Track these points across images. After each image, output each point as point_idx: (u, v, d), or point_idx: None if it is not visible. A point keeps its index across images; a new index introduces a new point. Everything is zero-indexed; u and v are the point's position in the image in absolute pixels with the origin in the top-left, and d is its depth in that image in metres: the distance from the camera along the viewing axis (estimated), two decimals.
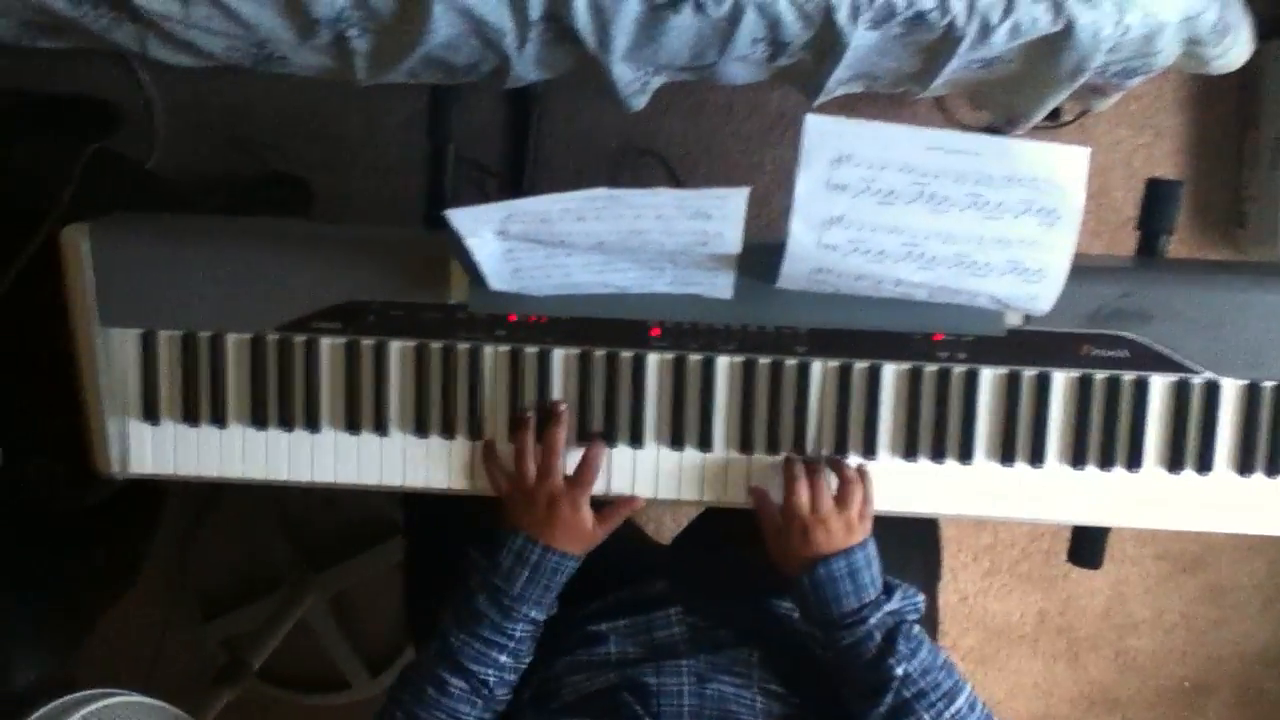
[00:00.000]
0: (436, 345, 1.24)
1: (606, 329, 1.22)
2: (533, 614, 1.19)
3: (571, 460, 1.23)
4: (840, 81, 1.46)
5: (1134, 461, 1.24)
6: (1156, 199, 1.29)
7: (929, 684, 1.12)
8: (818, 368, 1.23)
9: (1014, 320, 1.20)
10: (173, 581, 2.18)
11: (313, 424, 1.26)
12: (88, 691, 1.37)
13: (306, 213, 1.98)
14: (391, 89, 1.56)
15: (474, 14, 1.28)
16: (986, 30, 1.25)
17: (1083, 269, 1.14)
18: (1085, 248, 1.11)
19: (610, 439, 1.25)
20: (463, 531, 1.28)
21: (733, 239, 1.05)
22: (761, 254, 1.12)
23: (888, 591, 1.18)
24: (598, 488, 1.25)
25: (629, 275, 1.14)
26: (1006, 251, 1.06)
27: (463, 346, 1.24)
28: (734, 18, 1.26)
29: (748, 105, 2.01)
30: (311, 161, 1.99)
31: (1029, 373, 1.22)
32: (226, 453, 1.28)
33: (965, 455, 1.24)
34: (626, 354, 1.23)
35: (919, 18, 1.24)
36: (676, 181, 2.00)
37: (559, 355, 1.24)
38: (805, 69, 1.41)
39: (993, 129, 1.71)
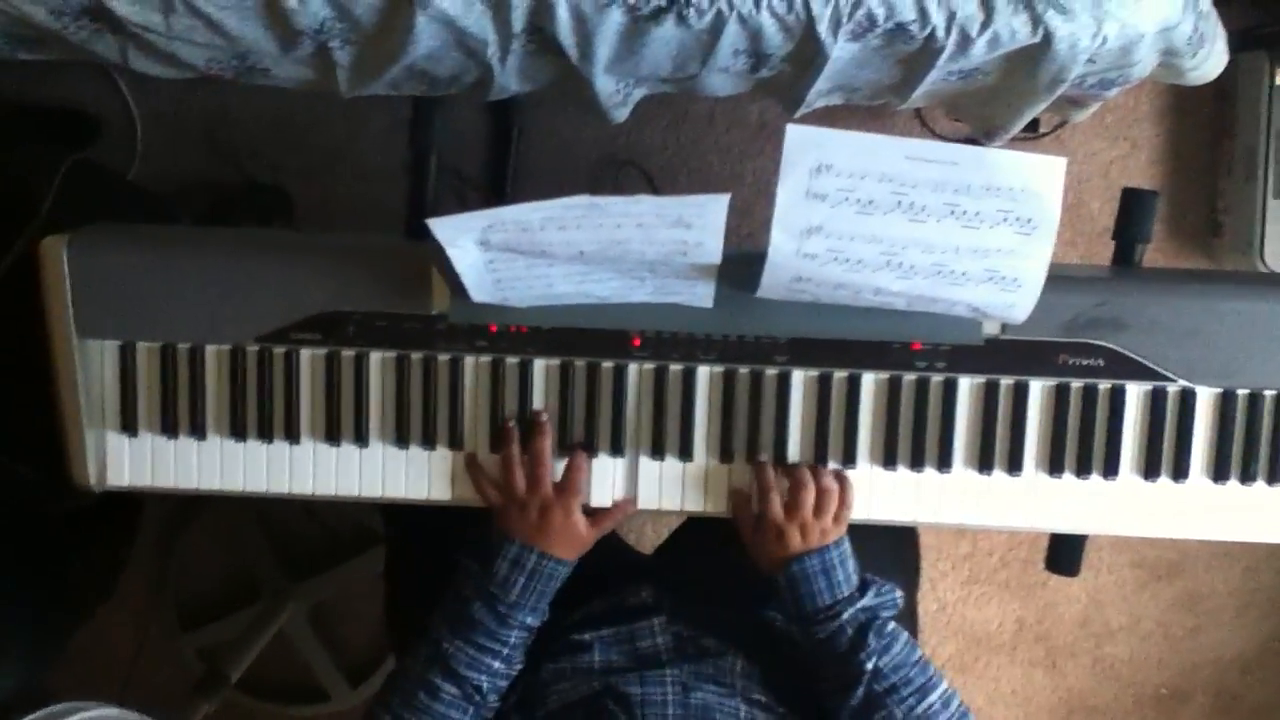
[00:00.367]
0: (417, 356, 1.24)
1: (587, 339, 1.22)
2: (528, 620, 1.19)
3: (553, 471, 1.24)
4: (820, 93, 1.47)
5: (1110, 469, 1.25)
6: (1132, 208, 1.31)
7: (900, 679, 1.14)
8: (798, 377, 1.23)
9: (991, 329, 1.20)
10: (151, 592, 2.16)
11: (292, 435, 1.26)
12: (64, 704, 1.37)
13: (288, 222, 1.98)
14: (373, 98, 1.56)
15: (456, 25, 1.28)
16: (966, 42, 1.26)
17: (1059, 278, 1.15)
18: (1062, 258, 1.12)
19: (591, 449, 1.25)
20: (443, 541, 1.28)
21: (713, 248, 1.06)
22: (742, 263, 1.12)
23: (863, 588, 1.20)
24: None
25: (610, 285, 1.15)
26: (984, 261, 1.07)
27: (443, 357, 1.24)
28: (716, 29, 1.27)
29: (728, 117, 2.02)
30: (293, 170, 1.99)
31: (1006, 381, 1.23)
32: (205, 465, 1.27)
33: (944, 464, 1.25)
34: (608, 364, 1.23)
35: (899, 29, 1.25)
36: (657, 192, 2.00)
37: (540, 365, 1.24)
38: (786, 81, 1.42)
39: (971, 140, 1.72)
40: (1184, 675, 2.35)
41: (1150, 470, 1.25)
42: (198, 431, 1.26)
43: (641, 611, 1.27)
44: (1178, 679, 2.35)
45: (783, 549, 1.19)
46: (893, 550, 1.40)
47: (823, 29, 1.25)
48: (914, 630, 1.45)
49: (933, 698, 1.14)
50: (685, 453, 1.25)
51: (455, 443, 1.25)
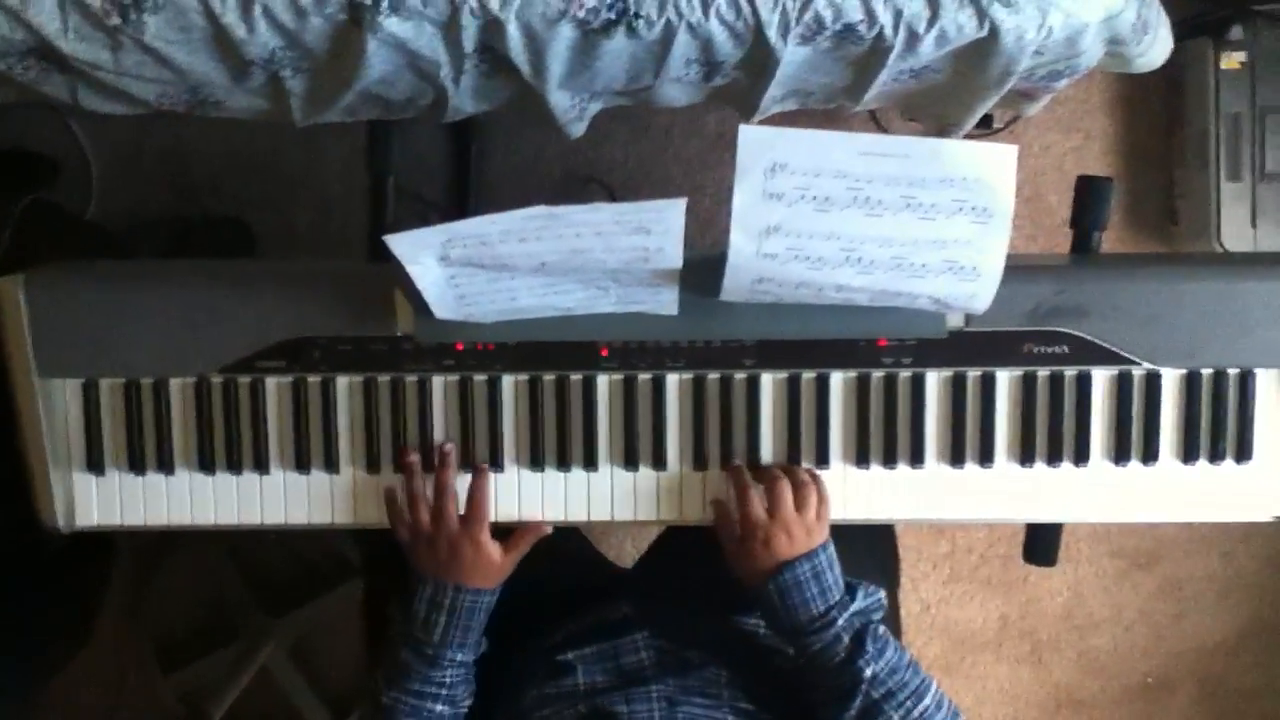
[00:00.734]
0: (384, 378, 1.23)
1: (555, 352, 1.22)
2: (459, 657, 1.18)
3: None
4: (775, 100, 1.47)
5: (1081, 456, 1.25)
6: (1088, 196, 1.32)
7: (896, 683, 1.13)
8: (767, 380, 1.23)
9: (955, 322, 1.21)
10: (128, 635, 2.14)
11: (261, 466, 1.25)
12: None
13: (249, 254, 1.97)
14: (328, 128, 1.55)
15: (408, 48, 1.28)
16: (914, 39, 1.27)
17: (1019, 268, 1.15)
18: (1022, 252, 1.13)
19: (565, 464, 1.25)
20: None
21: (673, 253, 1.06)
22: (704, 268, 1.13)
23: (850, 592, 1.19)
24: (555, 517, 1.25)
25: (574, 296, 1.14)
26: (942, 252, 1.07)
27: (411, 378, 1.23)
28: (666, 40, 1.27)
29: (686, 129, 2.03)
30: (252, 203, 1.98)
31: (973, 373, 1.23)
32: (175, 500, 1.26)
33: (916, 459, 1.25)
34: (576, 377, 1.23)
35: (847, 30, 1.26)
36: None
37: (508, 381, 1.23)
38: (740, 88, 1.43)
39: None
40: (1169, 663, 2.36)
41: (1120, 455, 1.25)
42: (165, 467, 1.25)
43: (623, 627, 1.26)
44: (1163, 667, 2.36)
45: (769, 556, 1.16)
46: (870, 551, 1.40)
47: (772, 34, 1.26)
48: (897, 632, 1.45)
49: (927, 700, 1.13)
50: (659, 462, 1.25)
51: (427, 465, 1.24)
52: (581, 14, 1.23)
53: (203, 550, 2.11)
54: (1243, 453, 1.25)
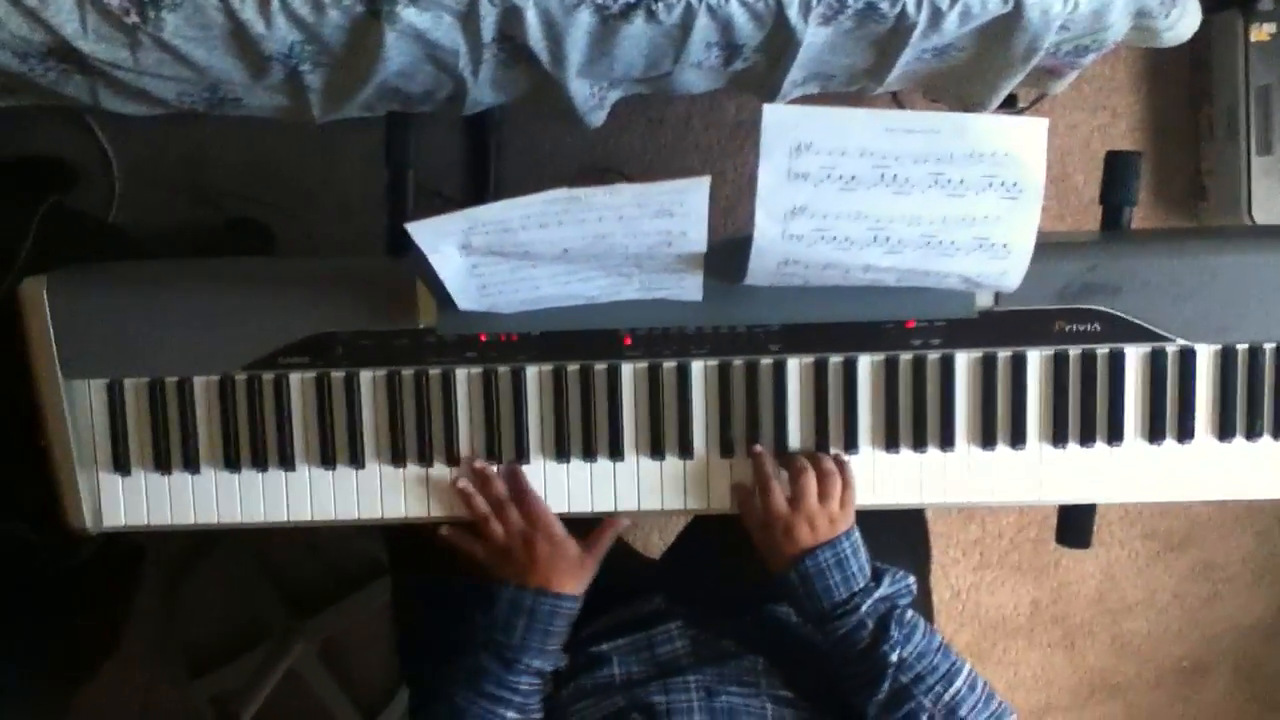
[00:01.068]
0: (408, 372, 1.22)
1: (578, 341, 1.21)
2: (536, 664, 1.16)
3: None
4: (795, 83, 1.46)
5: (1115, 435, 1.23)
6: (1117, 171, 1.29)
7: (925, 668, 1.11)
8: (793, 365, 1.22)
9: (985, 301, 1.19)
10: (158, 640, 2.14)
11: (287, 462, 1.24)
12: None
13: (270, 256, 1.97)
14: (349, 127, 1.55)
15: (426, 39, 1.27)
16: (937, 17, 1.25)
17: (1049, 246, 1.14)
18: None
19: (590, 454, 1.24)
20: (449, 564, 1.26)
21: (697, 236, 1.04)
22: (728, 252, 1.11)
23: (877, 577, 1.18)
24: (582, 509, 1.24)
25: (597, 284, 1.13)
26: (972, 229, 1.06)
27: (434, 371, 1.22)
28: (686, 23, 1.26)
29: (706, 117, 2.02)
30: (273, 206, 1.98)
31: (1004, 353, 1.21)
32: (201, 499, 1.26)
33: (946, 442, 1.23)
34: (600, 366, 1.22)
35: (870, 9, 1.25)
36: None
37: (532, 372, 1.22)
38: (760, 72, 1.42)
39: None
40: (1204, 646, 2.33)
41: (1155, 433, 1.23)
42: (191, 465, 1.24)
43: (656, 618, 1.26)
44: (1198, 650, 2.34)
45: (792, 545, 1.16)
46: (901, 536, 1.39)
47: (793, 14, 1.25)
48: (929, 617, 1.43)
49: (959, 683, 1.12)
50: (685, 451, 1.24)
51: (452, 458, 1.24)
52: (600, 0, 1.22)
53: (232, 553, 2.11)
54: None
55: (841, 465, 1.21)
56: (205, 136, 1.94)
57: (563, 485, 1.25)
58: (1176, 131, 2.07)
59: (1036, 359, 1.22)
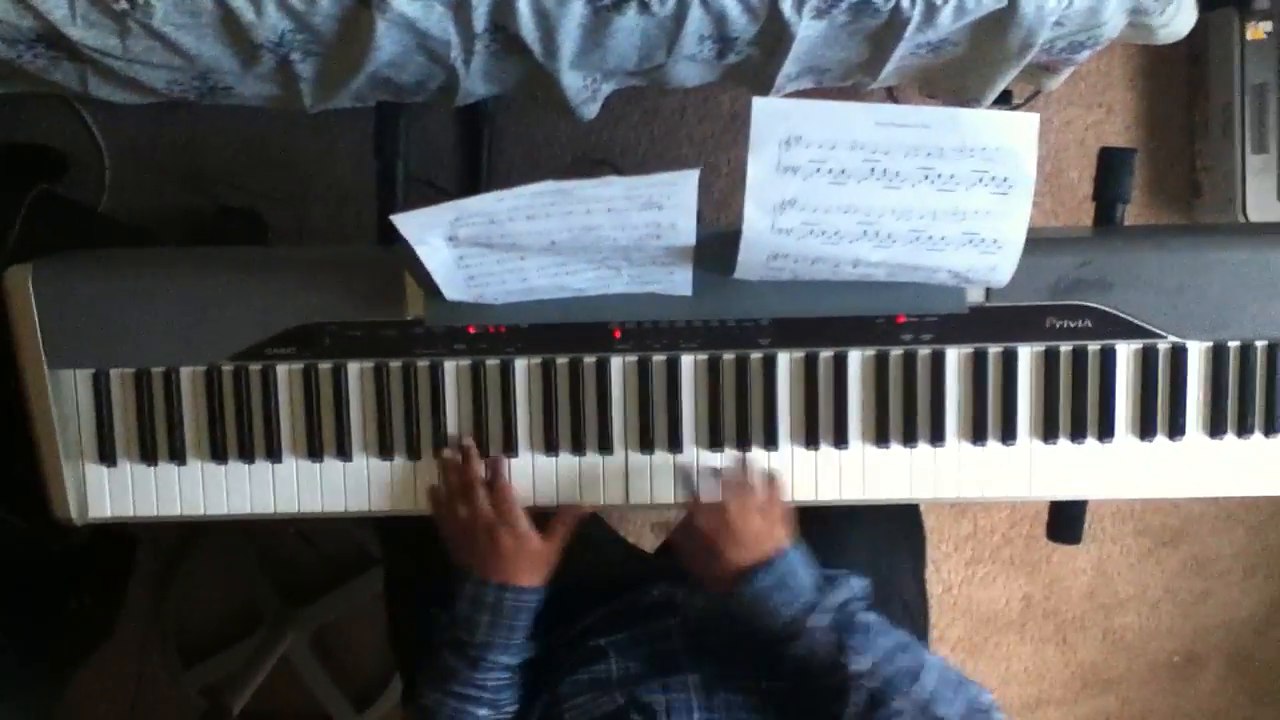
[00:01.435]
0: (395, 364, 1.22)
1: (568, 334, 1.20)
2: (503, 659, 1.16)
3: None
4: (789, 77, 1.45)
5: (1106, 432, 1.23)
6: (1110, 167, 1.29)
7: (892, 670, 1.07)
8: (783, 359, 1.21)
9: (976, 296, 1.19)
10: (149, 630, 2.14)
11: (274, 454, 1.24)
12: None
13: (262, 245, 1.96)
14: (341, 116, 1.54)
15: (417, 28, 1.26)
16: (932, 11, 1.25)
17: (1041, 241, 1.13)
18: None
19: (579, 448, 1.23)
20: (439, 554, 1.25)
21: (686, 229, 1.04)
22: (717, 245, 1.11)
23: (824, 586, 1.13)
24: (569, 501, 1.24)
25: (586, 276, 1.13)
26: (962, 223, 1.05)
27: (422, 363, 1.22)
28: (679, 15, 1.25)
29: (699, 110, 2.01)
30: (264, 194, 1.97)
31: (995, 349, 1.21)
32: (188, 490, 1.25)
33: (937, 438, 1.23)
34: (589, 359, 1.21)
35: (864, 3, 1.24)
36: None
37: (521, 365, 1.22)
38: (754, 65, 1.41)
39: None
40: (1196, 640, 2.33)
41: (1146, 430, 1.23)
42: (177, 457, 1.24)
43: (654, 612, 1.25)
44: (1190, 644, 2.34)
45: (727, 565, 1.12)
46: (894, 531, 1.39)
47: (787, 7, 1.24)
48: (924, 611, 1.43)
49: (924, 677, 1.07)
50: (674, 444, 1.23)
51: (440, 450, 1.23)
52: None
53: (224, 542, 2.11)
54: (1271, 425, 1.23)
55: (768, 479, 1.19)
56: (197, 124, 1.93)
57: (551, 478, 1.24)
58: (1171, 129, 2.06)
59: (1028, 355, 1.21)
